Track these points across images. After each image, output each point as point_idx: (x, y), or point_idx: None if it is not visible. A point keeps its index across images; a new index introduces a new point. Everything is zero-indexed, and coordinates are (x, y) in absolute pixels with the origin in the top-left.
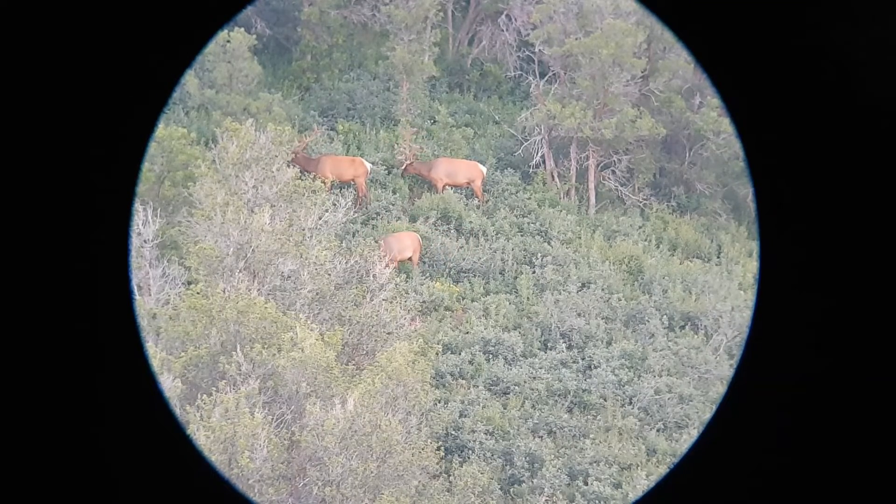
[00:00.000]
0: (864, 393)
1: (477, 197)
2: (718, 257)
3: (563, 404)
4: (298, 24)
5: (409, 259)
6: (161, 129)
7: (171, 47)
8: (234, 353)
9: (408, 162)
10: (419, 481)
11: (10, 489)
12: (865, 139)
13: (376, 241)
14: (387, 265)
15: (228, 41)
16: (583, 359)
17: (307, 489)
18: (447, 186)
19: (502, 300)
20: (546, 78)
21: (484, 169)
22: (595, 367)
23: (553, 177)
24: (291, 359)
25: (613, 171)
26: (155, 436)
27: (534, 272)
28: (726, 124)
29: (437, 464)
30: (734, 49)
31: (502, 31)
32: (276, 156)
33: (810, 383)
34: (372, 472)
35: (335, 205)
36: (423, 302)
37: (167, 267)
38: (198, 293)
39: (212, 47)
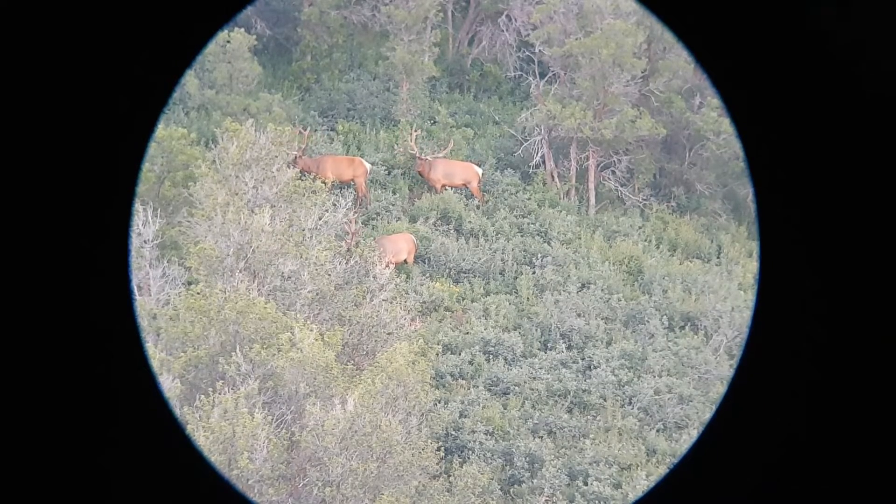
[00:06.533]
0: (865, 393)
1: (476, 197)
2: (718, 257)
3: (563, 404)
4: (298, 25)
5: (405, 261)
6: (161, 129)
7: (171, 47)
8: (233, 353)
9: (418, 158)
10: (419, 481)
11: (10, 490)
12: (866, 139)
13: (369, 242)
14: (386, 265)
15: (228, 41)
16: (583, 359)
17: (307, 489)
18: (445, 187)
19: (502, 300)
20: (546, 78)
21: (480, 170)
22: (595, 368)
23: (553, 177)
24: (290, 359)
25: (613, 172)
26: (155, 436)
27: (534, 272)
28: (726, 124)
29: (437, 464)
30: (734, 49)
31: (502, 31)
32: (276, 156)
33: (810, 383)
34: (372, 473)
35: (335, 205)
36: (423, 302)
37: (167, 267)
38: (197, 293)
39: (212, 47)
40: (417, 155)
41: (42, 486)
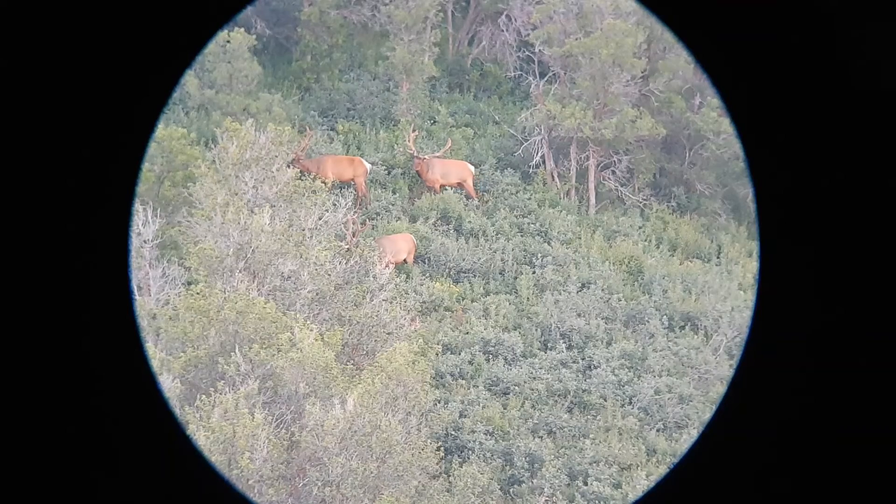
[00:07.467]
0: (865, 393)
1: (471, 196)
2: (718, 257)
3: (563, 404)
4: (298, 25)
5: (405, 261)
6: (161, 129)
7: (171, 47)
8: (233, 353)
9: (416, 157)
10: (419, 481)
11: (10, 490)
12: (867, 139)
13: (368, 242)
14: (386, 265)
15: (228, 41)
16: (583, 359)
17: (307, 489)
18: (443, 187)
19: (502, 300)
20: (546, 78)
21: (473, 169)
22: (595, 367)
23: (553, 177)
24: (290, 359)
25: (613, 172)
26: (155, 436)
27: (534, 272)
28: (726, 124)
29: (437, 464)
30: (734, 49)
31: (502, 31)
32: (276, 156)
33: (810, 383)
34: (372, 473)
35: (335, 205)
36: (423, 302)
37: (167, 267)
38: (197, 293)
39: (212, 47)
40: (415, 155)
41: (42, 487)
